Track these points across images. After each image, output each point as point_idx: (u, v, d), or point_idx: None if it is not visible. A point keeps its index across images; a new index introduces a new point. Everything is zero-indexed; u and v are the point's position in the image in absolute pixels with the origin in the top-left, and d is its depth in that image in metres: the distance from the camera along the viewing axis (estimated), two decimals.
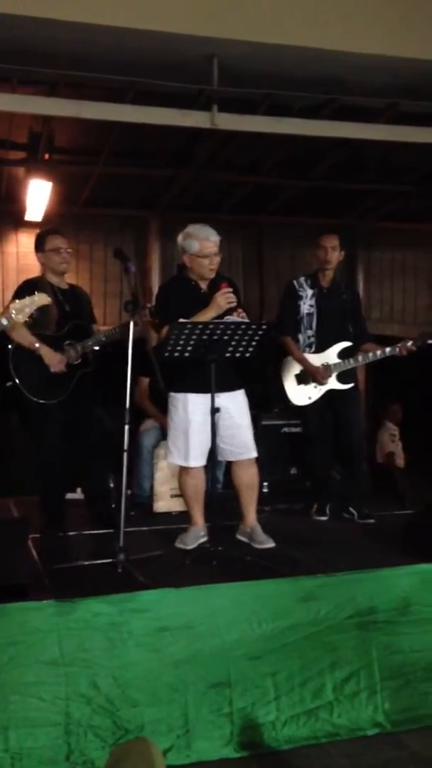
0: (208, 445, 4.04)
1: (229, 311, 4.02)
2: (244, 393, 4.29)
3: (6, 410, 4.67)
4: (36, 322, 4.19)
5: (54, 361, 4.35)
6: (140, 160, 6.70)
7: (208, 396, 3.93)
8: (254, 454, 4.25)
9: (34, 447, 4.59)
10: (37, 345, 4.32)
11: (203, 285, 4.17)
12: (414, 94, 5.22)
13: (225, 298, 4.01)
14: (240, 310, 4.05)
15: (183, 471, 4.24)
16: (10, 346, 4.35)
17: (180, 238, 4.17)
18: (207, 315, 4.00)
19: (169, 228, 7.86)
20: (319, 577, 3.45)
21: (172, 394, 4.18)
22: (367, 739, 3.14)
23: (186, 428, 4.10)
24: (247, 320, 4.04)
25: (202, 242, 4.08)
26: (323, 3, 4.76)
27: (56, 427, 4.43)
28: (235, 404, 4.17)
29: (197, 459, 4.11)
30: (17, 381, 4.32)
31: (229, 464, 4.48)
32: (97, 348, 4.53)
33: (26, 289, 4.19)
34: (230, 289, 4.03)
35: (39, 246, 4.56)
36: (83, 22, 4.38)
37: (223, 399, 4.10)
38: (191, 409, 4.07)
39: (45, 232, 4.64)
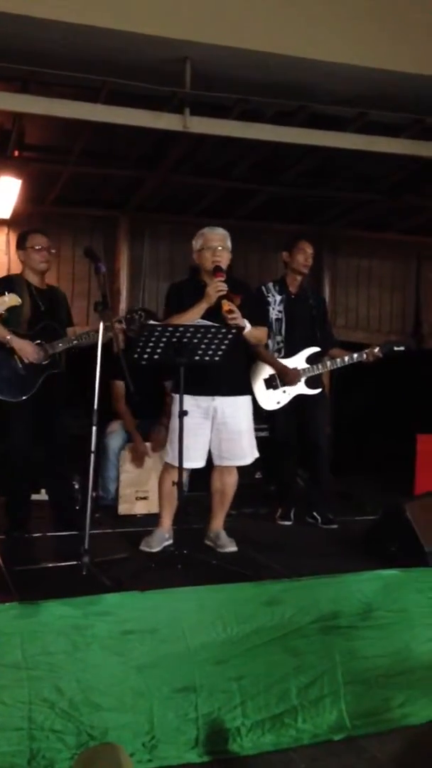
0: (200, 448, 4.09)
1: (220, 300, 4.02)
2: (249, 399, 4.33)
3: None
4: (8, 320, 4.20)
5: (28, 351, 4.31)
6: (111, 160, 6.66)
7: (201, 398, 3.98)
8: (238, 463, 4.28)
9: (2, 447, 4.53)
10: (8, 337, 4.28)
11: None
12: (383, 104, 5.28)
13: (214, 287, 4.03)
14: (232, 307, 4.02)
15: (165, 468, 4.24)
16: None
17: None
18: (200, 307, 4.06)
19: (138, 229, 7.84)
20: (284, 581, 3.48)
21: (172, 394, 4.22)
22: (328, 744, 3.15)
23: (176, 428, 4.09)
24: (236, 314, 4.03)
25: (206, 235, 4.20)
26: (297, 11, 4.78)
27: (25, 427, 4.38)
28: (234, 410, 4.19)
29: (186, 460, 4.02)
30: None
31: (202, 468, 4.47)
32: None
33: (1, 286, 4.27)
34: (221, 278, 4.06)
35: (20, 244, 4.57)
36: (57, 20, 4.34)
37: (219, 403, 4.13)
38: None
39: (27, 230, 4.65)
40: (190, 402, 3.98)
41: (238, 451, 4.22)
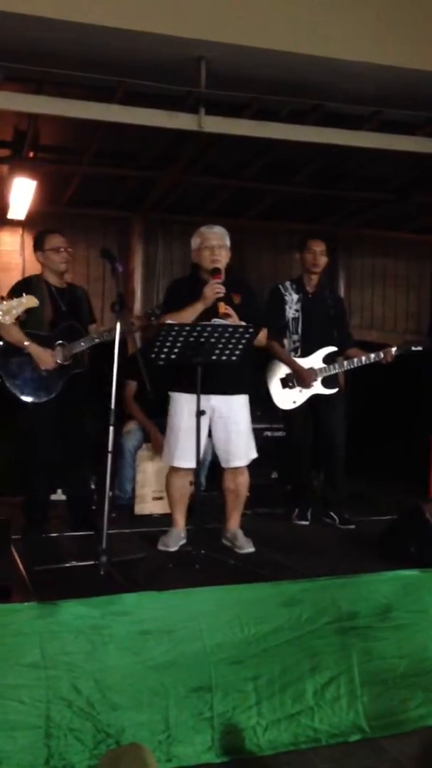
0: (202, 447, 4.01)
1: (216, 302, 4.00)
2: (247, 399, 4.26)
3: None
4: (29, 322, 4.20)
5: (43, 358, 4.31)
6: (124, 161, 6.67)
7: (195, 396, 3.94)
8: (242, 462, 4.24)
9: (24, 447, 4.52)
10: (26, 343, 4.29)
11: None
12: (397, 102, 5.26)
13: (212, 289, 4.01)
14: (228, 310, 4.00)
15: (170, 471, 4.24)
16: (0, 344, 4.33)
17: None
18: (196, 307, 4.02)
19: (152, 229, 7.86)
20: (302, 581, 3.46)
21: (170, 393, 4.21)
22: (347, 745, 3.13)
23: (175, 427, 4.10)
24: (232, 317, 4.01)
25: (204, 234, 4.16)
26: (311, 10, 4.77)
27: (47, 428, 4.40)
28: (229, 409, 4.16)
29: (184, 459, 4.08)
30: (5, 380, 4.29)
31: (216, 467, 4.47)
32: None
33: (21, 288, 4.21)
34: (219, 280, 4.03)
35: (38, 245, 4.57)
36: (70, 20, 4.35)
37: (216, 402, 4.09)
38: (180, 408, 4.09)
39: (44, 231, 4.64)
40: (187, 400, 3.99)
41: (233, 449, 4.18)
